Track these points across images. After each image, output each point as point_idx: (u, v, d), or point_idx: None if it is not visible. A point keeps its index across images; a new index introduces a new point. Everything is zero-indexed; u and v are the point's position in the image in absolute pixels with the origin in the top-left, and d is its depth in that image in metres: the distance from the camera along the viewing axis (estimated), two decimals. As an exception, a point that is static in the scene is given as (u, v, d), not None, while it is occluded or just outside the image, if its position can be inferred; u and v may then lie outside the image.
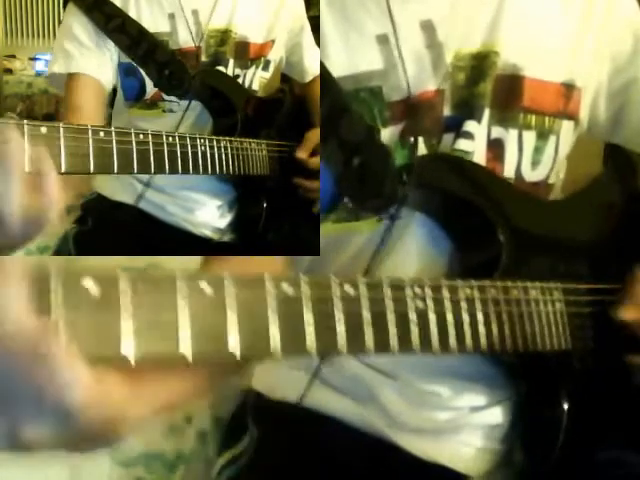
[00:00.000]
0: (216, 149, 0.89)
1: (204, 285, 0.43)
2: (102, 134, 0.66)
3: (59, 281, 0.37)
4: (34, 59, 3.55)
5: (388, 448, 0.77)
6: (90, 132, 0.64)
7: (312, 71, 1.17)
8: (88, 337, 0.38)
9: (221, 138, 0.91)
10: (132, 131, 0.71)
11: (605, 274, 0.75)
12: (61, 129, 0.60)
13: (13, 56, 3.67)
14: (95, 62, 1.00)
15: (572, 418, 0.70)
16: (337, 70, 0.70)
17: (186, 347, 0.41)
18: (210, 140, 0.88)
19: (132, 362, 0.39)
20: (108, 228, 1.10)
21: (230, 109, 1.04)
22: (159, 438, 1.20)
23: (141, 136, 0.72)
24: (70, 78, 0.99)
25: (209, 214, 1.11)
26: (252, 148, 1.00)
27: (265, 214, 1.07)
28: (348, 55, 0.72)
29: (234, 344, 0.43)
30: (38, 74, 3.30)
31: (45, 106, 3.20)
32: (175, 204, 1.10)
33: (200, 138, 0.85)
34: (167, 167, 0.78)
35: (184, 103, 1.04)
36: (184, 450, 1.14)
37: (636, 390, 0.73)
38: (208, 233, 1.12)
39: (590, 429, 0.72)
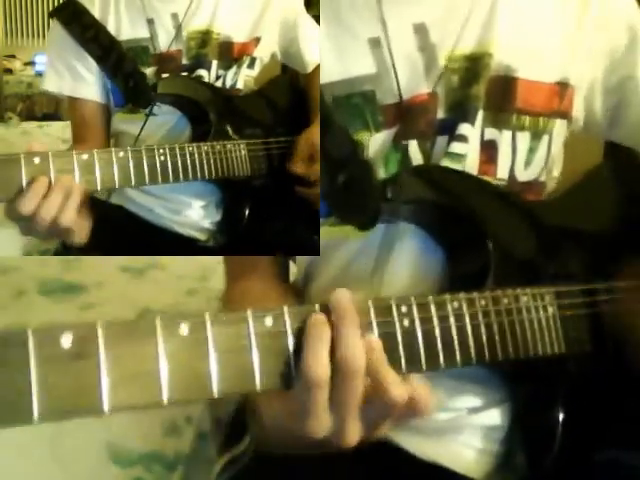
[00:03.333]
0: (188, 156, 0.86)
1: (183, 327, 0.42)
2: (85, 157, 0.76)
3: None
4: (32, 63, 3.50)
5: (390, 449, 0.74)
6: (75, 157, 0.75)
7: (312, 62, 1.11)
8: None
9: (187, 145, 0.88)
10: (112, 150, 0.79)
11: (601, 272, 0.71)
12: (50, 157, 0.73)
13: (13, 56, 3.63)
14: (87, 82, 0.99)
15: (569, 421, 0.66)
16: (329, 75, 0.67)
17: (166, 394, 0.40)
18: (172, 149, 0.85)
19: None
20: (100, 230, 1.07)
21: (202, 113, 0.99)
22: (159, 438, 1.19)
23: (121, 154, 0.79)
24: (71, 100, 1.00)
25: (196, 215, 1.08)
26: (228, 150, 0.94)
27: (250, 213, 1.02)
28: (340, 59, 0.69)
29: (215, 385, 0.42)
30: (38, 74, 3.25)
31: (45, 106, 3.17)
32: (162, 206, 1.06)
33: (159, 148, 0.84)
34: (147, 179, 0.83)
35: (165, 107, 1.01)
36: (184, 450, 1.12)
37: (634, 391, 0.69)
38: (196, 234, 1.08)
39: (588, 431, 0.68)
